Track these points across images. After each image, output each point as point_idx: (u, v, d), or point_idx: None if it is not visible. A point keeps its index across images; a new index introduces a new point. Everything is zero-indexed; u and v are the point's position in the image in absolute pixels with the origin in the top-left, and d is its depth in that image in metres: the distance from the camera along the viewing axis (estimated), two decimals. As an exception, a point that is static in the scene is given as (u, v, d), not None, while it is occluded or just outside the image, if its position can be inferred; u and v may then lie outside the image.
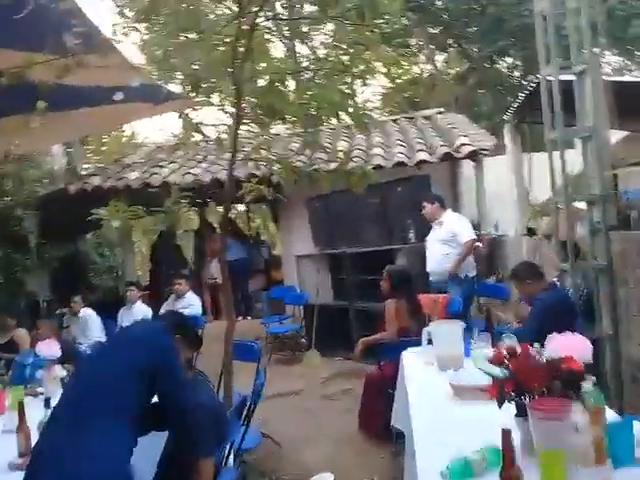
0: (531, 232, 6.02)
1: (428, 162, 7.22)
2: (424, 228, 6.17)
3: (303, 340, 6.82)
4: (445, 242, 5.72)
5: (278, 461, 4.07)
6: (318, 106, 3.90)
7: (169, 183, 6.88)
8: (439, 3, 15.01)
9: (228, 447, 2.81)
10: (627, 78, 7.58)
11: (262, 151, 5.11)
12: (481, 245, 6.76)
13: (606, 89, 4.88)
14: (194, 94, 4.02)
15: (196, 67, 4.01)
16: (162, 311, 6.47)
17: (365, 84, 5.32)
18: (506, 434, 1.59)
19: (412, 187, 6.99)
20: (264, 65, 4.68)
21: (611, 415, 2.13)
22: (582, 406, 1.85)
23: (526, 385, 1.93)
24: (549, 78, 4.68)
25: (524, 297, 4.04)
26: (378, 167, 7.04)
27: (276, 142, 7.24)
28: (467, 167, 8.34)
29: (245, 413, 3.19)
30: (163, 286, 7.75)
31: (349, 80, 4.49)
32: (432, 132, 8.54)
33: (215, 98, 4.74)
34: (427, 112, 10.05)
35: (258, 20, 4.61)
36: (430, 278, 5.90)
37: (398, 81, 19.43)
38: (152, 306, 6.69)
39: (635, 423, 1.91)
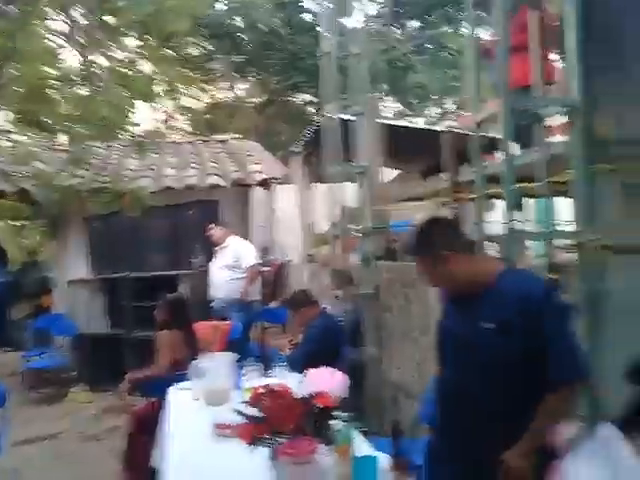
0: (312, 259, 6.25)
1: (220, 186, 7.13)
2: (211, 253, 6.06)
3: (72, 375, 6.14)
4: (229, 267, 5.65)
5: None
6: (87, 120, 3.57)
7: None
8: (243, 35, 15.29)
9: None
10: (401, 122, 8.36)
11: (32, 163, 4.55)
12: (268, 270, 6.84)
13: (382, 131, 5.27)
14: None
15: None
16: None
17: (151, 102, 5.06)
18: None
19: (201, 211, 6.85)
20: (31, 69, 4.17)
21: (363, 445, 2.17)
22: (332, 444, 1.83)
23: (278, 426, 1.85)
24: (331, 116, 4.91)
25: (298, 324, 4.11)
26: (168, 189, 6.78)
27: (52, 155, 6.52)
28: (260, 194, 8.45)
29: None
30: None
31: (129, 96, 4.22)
32: (226, 157, 8.49)
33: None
34: (223, 137, 10.00)
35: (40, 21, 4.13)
36: (212, 304, 5.76)
37: (198, 104, 19.28)
38: None
39: (380, 455, 1.95)
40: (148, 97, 4.16)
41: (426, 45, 14.40)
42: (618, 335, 2.19)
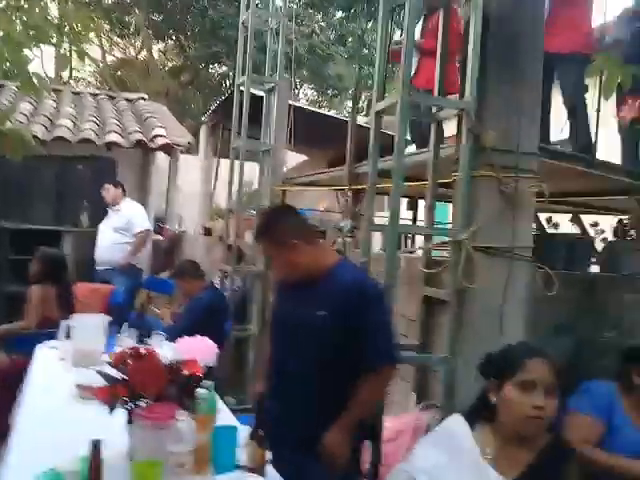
0: (208, 232, 6.16)
1: (119, 145, 6.83)
2: (100, 213, 5.80)
3: None
4: (118, 230, 5.44)
5: None
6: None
7: None
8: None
9: None
10: (313, 108, 8.40)
11: None
12: (161, 238, 6.66)
13: (295, 116, 5.26)
14: None
15: None
16: None
17: (50, 43, 4.69)
18: (94, 446, 1.44)
19: (96, 168, 6.54)
20: None
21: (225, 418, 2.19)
22: (194, 412, 1.82)
23: (141, 390, 1.82)
24: (242, 88, 4.84)
25: (183, 294, 4.05)
26: (61, 139, 6.40)
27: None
28: (163, 160, 8.21)
29: None
30: None
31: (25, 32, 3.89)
32: (131, 117, 8.13)
33: None
34: (130, 95, 9.55)
35: None
36: (97, 267, 5.53)
37: (108, 57, 18.32)
38: None
39: (242, 426, 1.97)
40: (45, 35, 3.83)
41: (348, 38, 14.51)
42: (479, 330, 2.35)
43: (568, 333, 2.35)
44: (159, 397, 1.83)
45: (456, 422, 1.77)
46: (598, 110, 3.52)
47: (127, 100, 9.17)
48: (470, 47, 2.32)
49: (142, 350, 1.96)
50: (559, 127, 3.70)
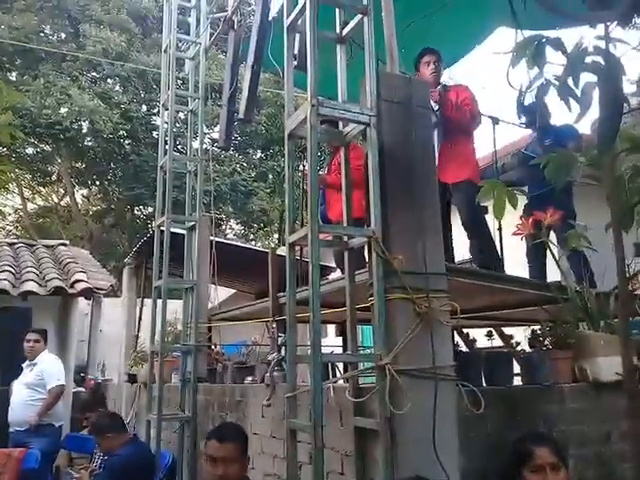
0: (132, 379, 5.83)
1: (36, 294, 6.58)
2: (14, 369, 5.40)
3: None
4: (32, 387, 5.06)
5: None
6: None
7: None
8: (88, 141, 14.92)
9: None
10: (235, 242, 8.53)
11: None
12: (83, 390, 6.26)
13: (219, 250, 5.30)
14: None
15: None
16: None
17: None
18: None
19: (9, 319, 6.21)
20: None
21: None
22: None
23: None
24: (162, 228, 4.87)
25: (103, 452, 3.72)
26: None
27: None
28: (85, 305, 7.95)
29: None
30: None
31: None
32: (50, 263, 7.95)
33: None
34: (49, 242, 9.41)
35: None
36: (10, 429, 5.05)
37: (29, 206, 18.25)
38: None
39: None
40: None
41: (269, 175, 15.23)
42: (413, 459, 2.26)
43: (501, 452, 2.31)
44: None
45: None
46: (500, 229, 3.78)
47: (46, 247, 9.00)
48: (370, 179, 2.46)
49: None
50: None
